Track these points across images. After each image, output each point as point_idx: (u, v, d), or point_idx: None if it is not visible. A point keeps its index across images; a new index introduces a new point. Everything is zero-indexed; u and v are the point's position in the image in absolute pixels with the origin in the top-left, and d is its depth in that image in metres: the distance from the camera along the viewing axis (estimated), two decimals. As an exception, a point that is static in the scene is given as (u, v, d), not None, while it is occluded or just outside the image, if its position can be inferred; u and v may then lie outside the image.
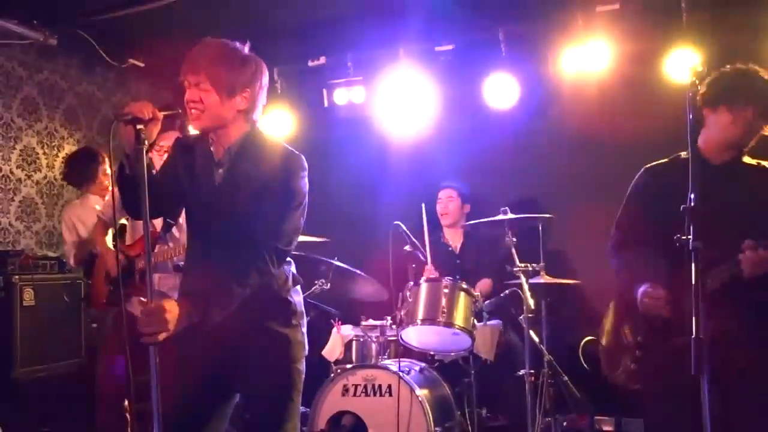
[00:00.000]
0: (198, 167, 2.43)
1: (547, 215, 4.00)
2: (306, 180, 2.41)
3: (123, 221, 3.80)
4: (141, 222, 3.73)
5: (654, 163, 2.86)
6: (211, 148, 2.42)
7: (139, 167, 2.18)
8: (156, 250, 3.56)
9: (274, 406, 2.40)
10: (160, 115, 2.26)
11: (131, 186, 2.22)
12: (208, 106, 2.30)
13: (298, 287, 2.53)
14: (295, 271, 2.52)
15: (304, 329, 2.50)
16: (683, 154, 2.69)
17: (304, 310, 2.53)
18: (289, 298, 2.45)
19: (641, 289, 2.60)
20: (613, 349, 2.83)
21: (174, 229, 3.68)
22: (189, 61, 2.33)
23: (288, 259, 2.48)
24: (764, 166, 2.70)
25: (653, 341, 2.64)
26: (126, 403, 3.70)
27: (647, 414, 2.84)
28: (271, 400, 2.40)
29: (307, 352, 2.50)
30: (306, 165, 2.41)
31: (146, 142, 2.21)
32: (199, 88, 2.30)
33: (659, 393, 2.63)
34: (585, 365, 3.40)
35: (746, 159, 2.71)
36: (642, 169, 2.88)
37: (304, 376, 2.47)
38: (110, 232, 3.85)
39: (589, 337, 3.22)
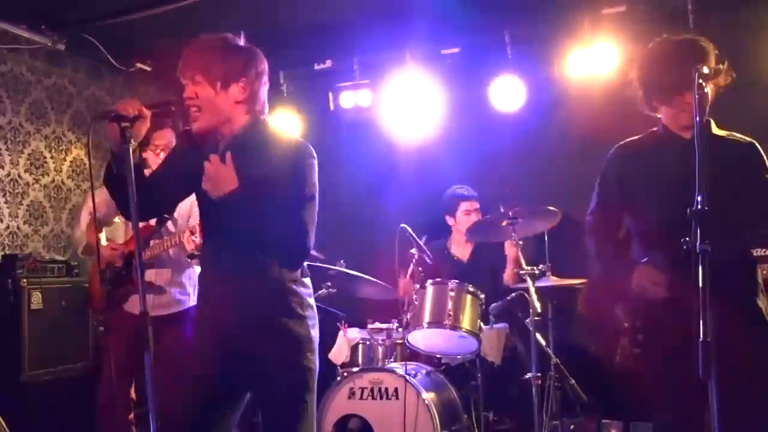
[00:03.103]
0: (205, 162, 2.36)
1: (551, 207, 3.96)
2: (315, 168, 2.33)
3: (116, 219, 3.71)
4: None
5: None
6: (219, 145, 2.36)
7: (125, 166, 2.09)
8: (151, 245, 3.53)
9: (285, 408, 2.29)
10: (147, 112, 2.18)
11: (120, 185, 2.15)
12: (203, 99, 2.28)
13: (307, 279, 2.42)
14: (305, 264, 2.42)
15: (312, 321, 2.36)
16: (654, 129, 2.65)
17: (313, 303, 2.41)
18: (295, 287, 2.34)
19: (640, 269, 2.46)
20: (610, 331, 2.69)
21: (169, 223, 3.61)
22: (183, 59, 2.32)
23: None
24: (736, 139, 2.58)
25: (654, 324, 2.48)
26: (132, 415, 3.63)
27: (654, 402, 2.73)
28: (281, 401, 2.29)
29: (316, 346, 2.36)
30: (314, 153, 2.34)
31: (132, 141, 2.13)
32: (193, 82, 2.29)
33: (666, 380, 2.52)
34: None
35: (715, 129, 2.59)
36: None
37: (317, 372, 2.35)
38: (104, 230, 3.74)
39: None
